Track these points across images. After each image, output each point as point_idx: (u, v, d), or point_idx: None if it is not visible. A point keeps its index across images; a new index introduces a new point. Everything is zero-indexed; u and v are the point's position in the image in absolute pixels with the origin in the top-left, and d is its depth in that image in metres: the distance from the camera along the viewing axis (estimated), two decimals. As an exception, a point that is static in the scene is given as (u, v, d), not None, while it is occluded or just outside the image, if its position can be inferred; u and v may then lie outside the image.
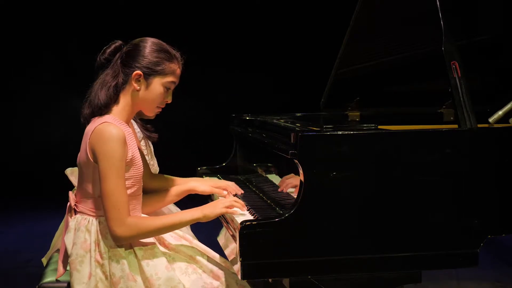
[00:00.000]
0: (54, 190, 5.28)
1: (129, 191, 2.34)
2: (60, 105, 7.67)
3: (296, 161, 2.28)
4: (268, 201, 2.73)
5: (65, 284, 2.49)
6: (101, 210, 2.36)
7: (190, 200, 2.84)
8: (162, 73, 2.42)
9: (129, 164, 2.34)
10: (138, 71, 2.39)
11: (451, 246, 2.34)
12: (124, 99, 2.41)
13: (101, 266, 2.33)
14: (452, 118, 3.17)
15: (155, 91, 2.43)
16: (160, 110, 2.51)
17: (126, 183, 2.32)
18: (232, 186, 2.78)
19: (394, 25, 3.23)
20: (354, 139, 2.32)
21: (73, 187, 2.80)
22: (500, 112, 2.56)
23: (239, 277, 2.24)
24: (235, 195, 2.74)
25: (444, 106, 3.34)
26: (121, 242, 2.33)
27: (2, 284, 4.49)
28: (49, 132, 7.78)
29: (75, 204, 2.42)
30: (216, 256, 2.55)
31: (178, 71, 2.47)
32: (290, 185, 2.71)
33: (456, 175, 2.35)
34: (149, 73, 2.40)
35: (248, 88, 7.67)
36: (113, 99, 2.39)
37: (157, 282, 2.32)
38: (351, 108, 3.64)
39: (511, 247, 5.11)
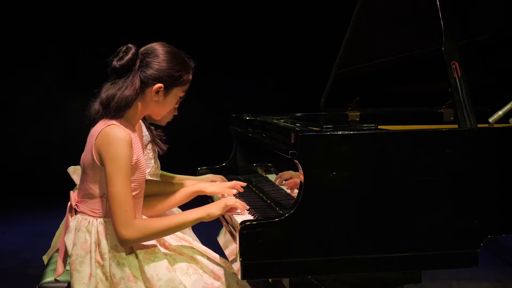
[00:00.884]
0: (54, 190, 5.28)
1: (132, 194, 2.34)
2: (60, 106, 7.67)
3: (296, 161, 2.28)
4: (268, 201, 2.73)
5: (65, 284, 2.49)
6: (102, 211, 2.36)
7: (190, 200, 2.84)
8: (181, 85, 2.44)
9: (134, 167, 2.34)
10: (160, 84, 2.39)
11: (451, 246, 2.34)
12: (138, 106, 2.41)
13: (102, 266, 2.33)
14: (452, 118, 3.17)
15: (170, 101, 2.45)
16: (172, 116, 2.54)
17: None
18: (237, 185, 2.78)
19: (394, 25, 3.23)
20: (354, 139, 2.32)
21: (74, 185, 2.80)
22: (500, 112, 2.56)
23: (239, 277, 2.25)
24: (236, 195, 2.76)
25: (444, 106, 3.34)
26: (129, 244, 2.32)
27: (2, 284, 4.49)
28: (49, 132, 7.78)
29: (75, 204, 2.42)
30: (216, 256, 2.55)
31: (191, 79, 2.49)
32: (284, 178, 2.73)
33: (456, 175, 2.35)
34: (170, 86, 2.41)
35: (248, 88, 7.67)
36: (129, 107, 2.38)
37: (158, 283, 2.32)
38: (351, 108, 3.64)
39: (511, 247, 5.11)
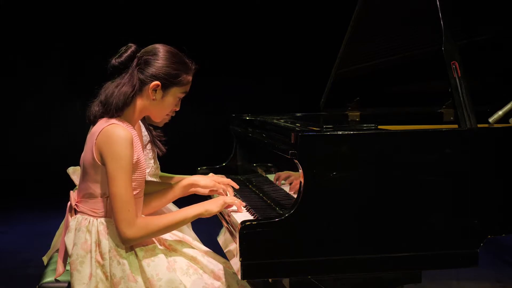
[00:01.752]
0: (54, 190, 5.28)
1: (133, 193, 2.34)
2: (60, 107, 7.67)
3: (296, 161, 2.28)
4: (268, 201, 2.73)
5: (66, 284, 2.49)
6: (102, 211, 2.36)
7: (190, 201, 2.84)
8: (180, 85, 2.44)
9: (134, 167, 2.34)
10: (157, 82, 2.39)
11: (451, 246, 2.34)
12: (137, 105, 2.41)
13: (102, 266, 2.33)
14: (452, 118, 3.17)
15: (169, 101, 2.45)
16: (169, 117, 2.55)
17: None
18: (231, 182, 2.78)
19: (394, 25, 3.23)
20: (354, 139, 2.32)
21: (74, 186, 2.80)
22: (500, 112, 2.56)
23: (239, 277, 2.25)
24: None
25: (444, 106, 3.34)
26: (132, 243, 2.33)
27: (2, 284, 4.49)
28: (50, 132, 7.78)
29: (75, 204, 2.42)
30: (216, 256, 2.55)
31: (191, 81, 2.49)
32: (282, 179, 2.73)
33: (456, 175, 2.35)
34: (168, 85, 2.41)
35: (248, 88, 7.67)
36: (127, 105, 2.39)
37: (158, 283, 2.32)
38: (351, 108, 3.64)
39: (511, 247, 5.11)
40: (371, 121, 2.61)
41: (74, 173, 2.85)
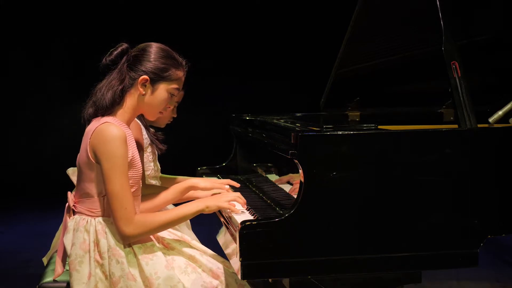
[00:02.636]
0: (54, 191, 5.28)
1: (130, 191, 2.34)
2: (60, 107, 7.66)
3: (296, 161, 2.28)
4: (268, 201, 2.73)
5: (65, 284, 2.49)
6: (101, 210, 2.36)
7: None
8: (169, 79, 2.44)
9: (129, 164, 2.34)
10: (145, 76, 2.40)
11: (451, 246, 2.34)
12: (128, 102, 2.42)
13: (101, 266, 2.33)
14: (452, 118, 3.17)
15: (160, 97, 2.44)
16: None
17: None
18: (231, 182, 2.78)
19: (394, 25, 3.23)
20: (354, 139, 2.32)
21: (74, 186, 2.80)
22: (500, 112, 2.56)
23: (239, 277, 2.25)
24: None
25: (444, 106, 3.34)
26: (130, 240, 2.33)
27: (2, 284, 4.49)
28: (50, 132, 7.78)
29: (73, 205, 2.42)
30: (215, 255, 2.55)
31: (183, 78, 2.49)
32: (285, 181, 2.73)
33: (456, 175, 2.35)
34: (156, 79, 2.41)
35: (248, 88, 7.67)
36: (118, 102, 2.39)
37: (157, 281, 2.32)
38: (351, 108, 3.64)
39: (511, 247, 5.11)
40: (371, 121, 2.61)
41: (74, 174, 2.85)
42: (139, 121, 2.80)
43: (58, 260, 2.46)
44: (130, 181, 2.35)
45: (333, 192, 2.27)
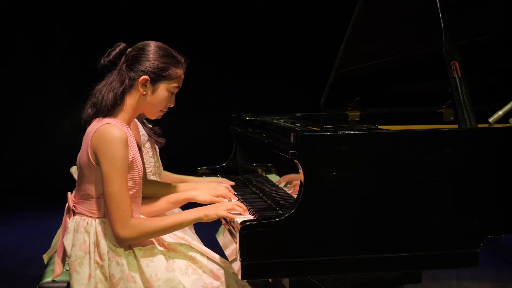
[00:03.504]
0: (55, 190, 5.27)
1: (129, 193, 2.34)
2: (62, 106, 7.66)
3: (296, 161, 2.28)
4: (268, 201, 2.73)
5: (65, 284, 2.49)
6: (100, 211, 2.36)
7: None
8: (169, 78, 2.43)
9: (129, 166, 2.34)
10: (145, 76, 2.39)
11: (451, 246, 2.34)
12: (129, 102, 2.41)
13: (101, 267, 2.33)
14: (452, 118, 3.17)
15: (160, 96, 2.44)
16: (162, 113, 2.54)
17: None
18: (229, 194, 2.76)
19: (394, 25, 3.23)
20: (354, 139, 2.32)
21: (74, 187, 2.79)
22: (500, 112, 2.56)
23: (239, 277, 2.25)
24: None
25: (444, 106, 3.34)
26: (125, 243, 2.33)
27: (2, 284, 4.49)
28: (50, 133, 7.78)
29: (73, 205, 2.42)
30: (215, 256, 2.55)
31: (182, 76, 2.48)
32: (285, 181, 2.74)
33: (456, 175, 2.35)
34: (156, 79, 2.41)
35: (248, 88, 7.66)
36: (119, 103, 2.39)
37: (157, 283, 2.32)
38: (351, 108, 3.64)
39: (511, 247, 5.11)
40: (371, 121, 2.61)
41: (77, 172, 2.85)
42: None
43: (57, 260, 2.46)
44: (130, 182, 2.34)
45: (333, 192, 2.27)
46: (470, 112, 2.43)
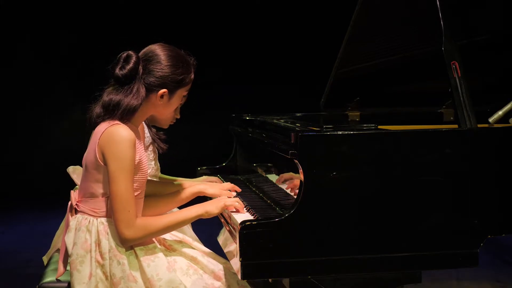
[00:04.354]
0: (55, 190, 5.28)
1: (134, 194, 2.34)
2: (62, 106, 7.66)
3: (296, 161, 2.28)
4: (268, 201, 2.73)
5: (66, 284, 2.49)
6: (103, 211, 2.36)
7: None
8: (184, 85, 2.45)
9: (136, 168, 2.34)
10: (164, 90, 2.39)
11: (451, 246, 2.34)
12: (142, 110, 2.40)
13: (102, 266, 2.33)
14: (452, 118, 3.17)
15: (175, 102, 2.46)
16: (174, 119, 2.56)
17: None
18: (236, 187, 2.80)
19: (394, 25, 3.23)
20: (354, 139, 2.32)
21: (74, 185, 2.80)
22: (500, 112, 2.57)
23: (239, 277, 2.25)
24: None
25: (444, 106, 3.34)
26: (130, 243, 2.33)
27: (2, 284, 4.49)
28: (51, 133, 7.78)
29: (76, 204, 2.42)
30: (216, 256, 2.56)
31: (193, 76, 2.49)
32: (285, 179, 2.74)
33: (456, 175, 2.35)
34: (174, 90, 2.42)
35: (248, 88, 7.66)
36: (134, 114, 2.37)
37: (158, 283, 2.32)
38: (351, 108, 3.64)
39: (511, 247, 5.12)
40: (371, 121, 2.61)
41: (74, 172, 2.85)
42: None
43: (60, 259, 2.46)
44: (135, 184, 2.35)
45: (333, 192, 2.27)
46: (470, 112, 2.43)
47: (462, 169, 2.36)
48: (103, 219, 2.36)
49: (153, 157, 2.94)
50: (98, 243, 2.34)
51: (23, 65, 7.71)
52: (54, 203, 4.84)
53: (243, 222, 2.21)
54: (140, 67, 2.37)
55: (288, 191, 2.71)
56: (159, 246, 2.43)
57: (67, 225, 2.43)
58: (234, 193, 2.76)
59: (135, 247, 2.36)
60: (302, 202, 2.24)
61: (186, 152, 7.12)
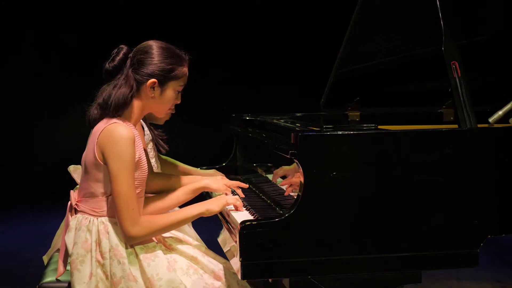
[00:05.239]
0: (55, 190, 5.28)
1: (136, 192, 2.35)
2: (63, 106, 7.66)
3: (296, 161, 2.28)
4: (268, 201, 2.73)
5: (66, 284, 2.49)
6: (103, 210, 2.36)
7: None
8: (176, 78, 2.44)
9: (136, 166, 2.34)
10: (153, 80, 2.40)
11: (451, 246, 2.34)
12: (136, 105, 2.42)
13: (102, 266, 2.33)
14: (452, 118, 3.17)
15: (168, 96, 2.45)
16: (170, 114, 2.56)
17: None
18: (240, 184, 2.82)
19: (394, 25, 3.23)
20: (354, 139, 2.32)
21: (75, 184, 2.80)
22: (500, 112, 2.57)
23: (239, 277, 2.25)
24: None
25: (444, 106, 3.34)
26: (135, 241, 2.34)
27: (2, 284, 4.49)
28: (51, 132, 7.78)
29: (76, 204, 2.42)
30: (217, 256, 2.56)
31: (187, 72, 2.49)
32: (279, 176, 2.74)
33: (456, 175, 2.35)
34: (164, 80, 2.42)
35: (248, 88, 7.66)
36: (127, 105, 2.39)
37: (158, 282, 2.32)
38: (351, 108, 3.64)
39: (511, 247, 5.12)
40: (371, 121, 2.61)
41: (75, 171, 2.86)
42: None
43: (60, 259, 2.46)
44: (135, 182, 2.35)
45: (333, 192, 2.27)
46: (470, 112, 2.43)
47: (462, 169, 2.36)
48: (104, 219, 2.36)
49: (153, 154, 2.94)
50: (99, 243, 2.34)
51: (23, 65, 7.71)
52: (54, 203, 4.84)
53: (243, 222, 2.21)
54: (130, 57, 2.41)
55: (286, 188, 2.71)
56: (159, 245, 2.43)
57: (67, 225, 2.43)
58: (239, 190, 2.78)
59: (136, 247, 2.37)
60: (302, 202, 2.24)
61: (186, 152, 7.12)
